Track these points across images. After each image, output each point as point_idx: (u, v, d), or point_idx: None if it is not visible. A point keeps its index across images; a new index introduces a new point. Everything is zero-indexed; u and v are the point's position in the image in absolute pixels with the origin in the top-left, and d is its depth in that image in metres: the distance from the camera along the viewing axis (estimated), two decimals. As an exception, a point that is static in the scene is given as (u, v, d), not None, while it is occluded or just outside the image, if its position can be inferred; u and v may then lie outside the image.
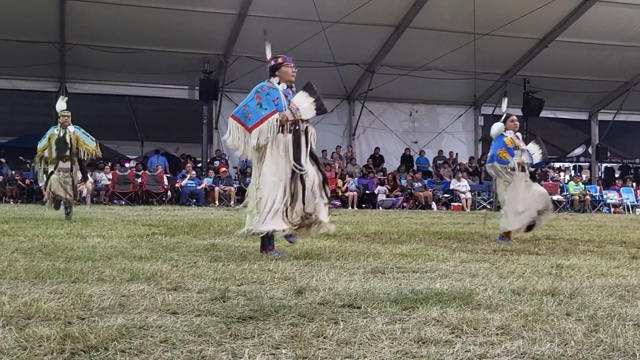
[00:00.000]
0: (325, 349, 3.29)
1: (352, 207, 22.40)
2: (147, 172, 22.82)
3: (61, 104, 12.53)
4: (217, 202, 21.74)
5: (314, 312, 4.11)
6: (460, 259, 7.07)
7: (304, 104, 7.10)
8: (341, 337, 3.49)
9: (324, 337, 3.48)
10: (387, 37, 24.30)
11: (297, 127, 6.99)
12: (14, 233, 8.94)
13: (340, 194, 23.37)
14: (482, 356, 3.25)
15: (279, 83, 7.17)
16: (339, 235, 9.89)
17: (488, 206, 24.37)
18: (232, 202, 21.84)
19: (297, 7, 21.79)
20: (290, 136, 6.95)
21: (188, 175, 22.46)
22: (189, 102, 27.36)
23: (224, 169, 23.36)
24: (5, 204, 20.99)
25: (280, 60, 7.28)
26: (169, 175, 23.40)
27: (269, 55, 7.40)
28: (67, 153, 12.36)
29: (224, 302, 4.36)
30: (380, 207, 22.80)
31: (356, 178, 24.51)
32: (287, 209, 6.82)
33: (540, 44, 25.49)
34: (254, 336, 3.49)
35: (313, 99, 7.17)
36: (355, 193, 23.17)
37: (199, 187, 22.22)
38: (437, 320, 3.93)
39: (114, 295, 4.50)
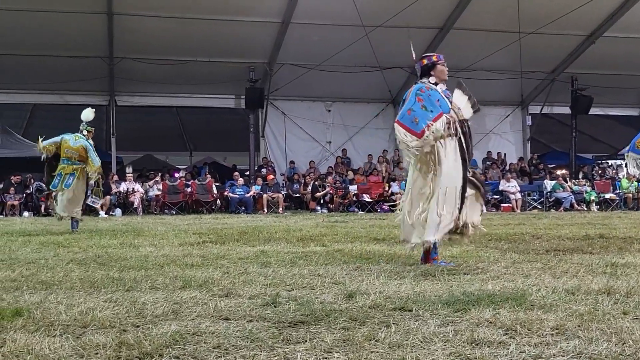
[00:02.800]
0: (377, 352, 3.29)
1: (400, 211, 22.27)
2: (196, 181, 23.06)
3: (87, 114, 12.41)
4: (265, 210, 21.84)
5: (365, 315, 4.11)
6: (511, 260, 6.99)
7: (462, 103, 6.73)
8: (393, 340, 3.48)
9: (376, 341, 3.47)
10: (431, 39, 24.16)
11: (464, 129, 6.59)
12: (68, 244, 9.11)
13: (387, 197, 23.28)
14: (537, 357, 3.21)
15: (435, 84, 6.78)
16: (388, 239, 9.86)
17: (539, 206, 24.06)
18: (280, 209, 21.93)
19: (340, 12, 21.81)
20: (455, 139, 6.54)
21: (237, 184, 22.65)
22: (236, 111, 27.58)
23: (271, 176, 23.47)
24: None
25: (434, 58, 6.89)
26: (218, 184, 23.60)
27: (414, 55, 7.01)
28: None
29: (275, 307, 4.38)
30: (428, 210, 22.64)
31: (403, 182, 24.37)
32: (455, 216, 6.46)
33: (587, 41, 25.08)
34: (306, 340, 3.50)
35: (467, 97, 6.79)
36: (403, 197, 23.04)
37: (247, 195, 22.36)
38: (490, 322, 3.89)
39: (167, 302, 4.56)
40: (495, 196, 24.19)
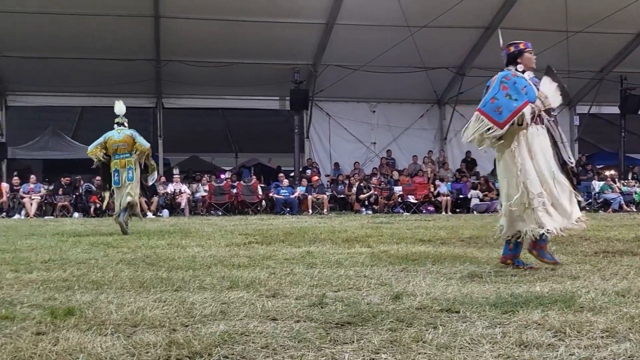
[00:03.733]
0: (425, 353, 3.29)
1: (446, 212, 22.16)
2: (242, 182, 23.22)
3: (121, 107, 12.43)
4: (310, 211, 21.89)
5: (412, 316, 4.11)
6: (559, 261, 6.90)
7: (550, 90, 6.47)
8: (441, 341, 3.48)
9: (423, 342, 3.47)
10: (476, 39, 24.00)
11: (550, 118, 6.45)
12: (118, 245, 9.25)
13: (432, 198, 23.17)
14: (587, 359, 3.18)
15: (523, 71, 6.53)
16: (434, 240, 9.82)
17: (587, 208, 23.69)
18: (325, 210, 21.96)
19: (385, 13, 21.76)
20: (541, 128, 6.37)
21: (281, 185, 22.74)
22: (280, 113, 27.69)
23: (316, 177, 23.52)
24: (109, 217, 21.71)
25: (522, 46, 6.63)
26: (263, 185, 23.74)
27: (502, 42, 6.85)
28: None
29: (322, 308, 4.40)
30: (474, 212, 22.46)
31: (449, 182, 24.24)
32: (556, 207, 6.26)
33: (636, 39, 24.65)
34: (353, 341, 3.51)
35: (556, 84, 6.51)
36: (448, 198, 22.92)
37: (292, 196, 22.44)
38: (539, 324, 3.86)
39: (215, 302, 4.61)
40: (542, 197, 23.85)
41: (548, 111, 6.45)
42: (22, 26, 21.47)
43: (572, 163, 6.50)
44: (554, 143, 6.41)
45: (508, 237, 6.49)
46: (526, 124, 6.22)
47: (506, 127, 6.18)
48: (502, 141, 6.31)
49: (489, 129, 6.25)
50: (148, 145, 12.21)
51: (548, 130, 6.41)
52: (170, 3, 21.59)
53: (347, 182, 23.92)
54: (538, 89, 6.44)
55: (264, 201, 23.07)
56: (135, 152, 11.99)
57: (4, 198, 21.39)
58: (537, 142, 6.33)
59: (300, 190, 22.73)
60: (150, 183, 12.95)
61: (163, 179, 23.17)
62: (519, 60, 6.59)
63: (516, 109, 6.19)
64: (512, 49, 6.65)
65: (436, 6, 20.86)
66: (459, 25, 22.85)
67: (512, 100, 6.24)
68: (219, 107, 28.61)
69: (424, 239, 10.05)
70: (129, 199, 11.75)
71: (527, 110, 6.21)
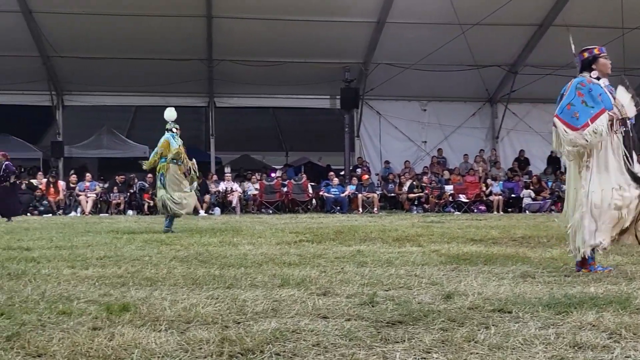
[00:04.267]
0: (477, 353, 3.27)
1: (498, 212, 21.91)
2: (292, 181, 23.31)
3: (170, 114, 12.61)
4: (360, 209, 21.87)
5: (464, 316, 4.09)
6: (615, 262, 6.79)
7: (626, 100, 6.29)
8: (493, 341, 3.45)
9: (475, 342, 3.45)
10: (529, 36, 23.67)
11: (626, 128, 6.25)
12: (171, 242, 9.38)
13: (484, 198, 22.94)
14: (643, 362, 3.12)
15: (597, 78, 6.35)
16: (485, 239, 9.74)
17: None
18: (375, 209, 21.91)
19: (436, 11, 21.63)
20: (616, 136, 6.17)
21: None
22: (331, 112, 27.70)
23: (366, 176, 23.47)
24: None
25: (596, 51, 6.44)
26: (313, 184, 23.79)
27: (573, 48, 6.75)
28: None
29: (372, 306, 4.41)
30: (526, 211, 22.17)
31: (501, 182, 23.96)
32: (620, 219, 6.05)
33: (697, 34, 24.01)
34: (404, 340, 3.51)
35: (630, 95, 6.35)
36: (500, 197, 22.65)
37: (342, 195, 22.44)
38: (593, 325, 3.81)
39: (266, 300, 4.65)
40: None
41: (624, 120, 6.24)
42: (79, 27, 21.91)
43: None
44: (627, 153, 6.19)
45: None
46: (605, 132, 6.03)
47: (586, 131, 5.98)
48: (585, 149, 6.08)
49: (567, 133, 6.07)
50: (175, 146, 12.24)
51: (632, 139, 6.23)
52: (223, 3, 21.81)
53: (397, 180, 23.83)
54: (614, 97, 6.28)
55: (314, 200, 23.12)
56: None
57: (61, 196, 21.84)
58: (611, 152, 6.14)
59: (350, 189, 22.72)
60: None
61: (215, 177, 23.39)
62: (593, 66, 6.39)
63: (594, 115, 6.03)
64: (586, 54, 6.47)
65: (488, 3, 20.61)
66: (512, 23, 22.55)
67: (589, 107, 6.08)
68: (270, 106, 28.80)
69: (475, 238, 9.98)
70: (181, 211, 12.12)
71: (604, 118, 6.04)
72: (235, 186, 22.57)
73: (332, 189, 22.61)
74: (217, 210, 21.59)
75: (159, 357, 3.26)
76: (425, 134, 26.59)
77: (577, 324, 3.86)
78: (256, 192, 22.68)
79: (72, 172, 23.89)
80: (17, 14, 21.37)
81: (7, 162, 17.03)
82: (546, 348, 3.35)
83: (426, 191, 22.71)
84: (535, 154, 26.80)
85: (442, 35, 21.65)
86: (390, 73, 23.57)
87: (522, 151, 26.31)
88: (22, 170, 25.22)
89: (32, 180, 22.37)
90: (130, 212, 21.39)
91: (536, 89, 24.35)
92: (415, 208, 22.32)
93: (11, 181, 17.01)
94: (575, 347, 3.35)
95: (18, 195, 18.64)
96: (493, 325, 3.83)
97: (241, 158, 31.12)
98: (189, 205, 12.33)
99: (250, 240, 9.79)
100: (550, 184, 23.69)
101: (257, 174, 24.46)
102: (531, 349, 3.33)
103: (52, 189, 21.80)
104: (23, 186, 21.73)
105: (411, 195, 22.57)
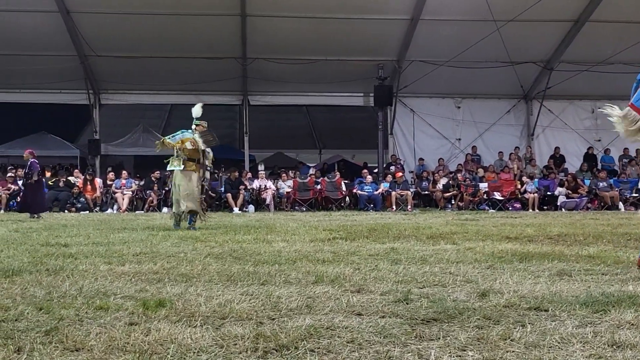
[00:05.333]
0: (513, 351, 3.24)
1: (533, 209, 21.71)
2: (326, 178, 23.32)
3: (197, 111, 12.48)
4: (394, 207, 21.81)
5: (499, 314, 4.06)
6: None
7: None
8: (529, 340, 3.42)
9: (511, 340, 3.43)
10: (565, 32, 23.39)
11: None
12: (205, 239, 9.44)
13: (519, 195, 22.73)
14: (683, 362, 3.07)
15: None
16: (521, 237, 9.65)
17: None
18: (409, 207, 21.83)
19: (470, 8, 21.49)
20: None
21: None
22: (364, 109, 27.71)
23: (400, 173, 23.40)
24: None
25: None
26: (346, 182, 23.77)
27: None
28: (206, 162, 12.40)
29: (407, 304, 4.40)
30: (562, 209, 21.92)
31: (536, 179, 23.72)
32: None
33: None
34: (439, 338, 3.50)
35: None
36: (535, 195, 22.43)
37: (376, 192, 22.40)
38: (632, 324, 3.76)
39: (300, 296, 4.66)
40: (634, 195, 23.11)
41: None
42: (115, 27, 22.16)
43: None
44: None
45: None
46: None
47: None
48: None
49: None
50: (173, 141, 12.22)
51: None
52: (257, 2, 21.89)
53: (431, 178, 23.72)
54: None
55: (347, 197, 23.11)
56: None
57: (98, 193, 22.11)
58: None
59: (384, 187, 22.66)
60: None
61: (249, 174, 23.50)
62: None
63: None
64: None
65: (523, 0, 20.45)
66: (547, 19, 22.33)
67: None
68: (304, 104, 28.88)
69: (510, 236, 9.89)
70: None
71: None
72: (269, 184, 22.64)
73: (365, 187, 22.57)
74: (251, 207, 21.67)
75: (194, 352, 3.28)
76: (459, 131, 26.44)
77: (615, 322, 3.81)
78: (290, 189, 22.73)
79: (109, 169, 24.16)
80: (55, 14, 21.68)
81: (32, 160, 17.27)
82: (584, 347, 3.31)
83: (461, 189, 22.57)
84: (571, 151, 26.53)
85: (476, 31, 21.51)
86: (424, 70, 23.48)
87: (557, 148, 26.03)
88: (60, 167, 25.61)
89: (69, 178, 22.66)
90: (165, 209, 21.54)
91: (572, 86, 24.12)
92: (449, 206, 22.21)
93: (35, 178, 17.24)
94: (614, 346, 3.31)
95: (43, 192, 18.89)
96: (529, 323, 3.80)
97: (275, 156, 31.26)
98: (188, 204, 12.15)
99: (284, 237, 9.81)
100: (587, 182, 23.40)
101: (290, 171, 24.53)
102: (568, 348, 3.30)
103: (89, 187, 22.06)
104: (61, 183, 22.04)
105: (446, 194, 22.45)
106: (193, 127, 12.37)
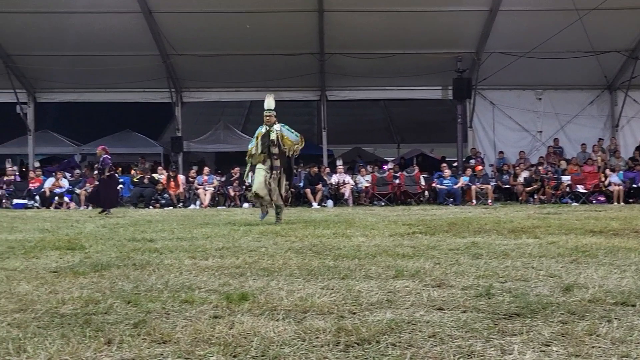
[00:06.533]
0: (598, 347, 3.18)
1: (618, 202, 21.11)
2: (404, 173, 23.23)
3: (269, 102, 12.43)
4: (474, 201, 21.57)
5: (584, 309, 3.99)
6: None
7: None
8: (615, 335, 3.35)
9: (596, 335, 3.37)
10: (651, 19, 22.67)
11: None
12: (285, 234, 9.53)
13: (603, 188, 22.14)
14: None
15: None
16: (605, 231, 9.41)
17: None
18: (490, 201, 21.54)
19: (551, -3, 21.07)
20: None
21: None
22: (443, 102, 27.47)
23: (480, 167, 23.12)
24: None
25: None
26: (425, 176, 23.63)
27: None
28: (275, 151, 12.14)
29: (489, 298, 4.36)
30: (649, 202, 21.28)
31: (621, 171, 23.05)
32: None
33: None
34: (522, 333, 3.46)
35: None
36: (620, 187, 21.81)
37: (455, 187, 22.19)
38: None
39: (381, 291, 4.67)
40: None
41: None
42: (196, 26, 22.59)
43: None
44: None
45: None
46: None
47: None
48: None
49: None
50: (297, 139, 12.28)
51: None
52: (334, -3, 21.96)
53: (512, 171, 23.34)
54: None
55: (426, 191, 22.97)
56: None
57: (181, 189, 22.59)
58: None
59: (463, 181, 22.44)
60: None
61: (327, 169, 23.62)
62: None
63: None
64: None
65: (608, -13, 19.89)
66: (632, 6, 21.64)
67: None
68: (381, 98, 28.81)
69: (594, 230, 9.66)
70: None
71: None
72: (348, 178, 22.70)
73: (444, 181, 22.39)
74: (330, 202, 21.78)
75: (277, 345, 3.33)
76: (540, 123, 25.92)
77: None
78: (368, 184, 22.74)
79: (193, 166, 24.67)
80: (137, 14, 22.23)
81: (105, 156, 17.75)
82: (673, 343, 3.23)
83: (542, 182, 22.12)
84: (658, 142, 25.67)
85: (557, 21, 21.04)
86: (504, 62, 23.10)
87: (643, 139, 25.25)
88: (145, 164, 26.24)
89: (153, 175, 23.23)
90: (246, 204, 21.86)
91: None
92: (531, 200, 21.81)
93: (107, 174, 17.70)
94: None
95: (116, 188, 19.38)
96: (615, 318, 3.72)
97: (353, 150, 31.30)
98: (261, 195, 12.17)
99: (363, 232, 9.82)
100: None
101: (368, 166, 24.54)
102: (657, 344, 3.22)
103: (172, 183, 22.57)
104: (146, 180, 22.61)
105: (528, 188, 22.03)
106: (265, 121, 12.34)
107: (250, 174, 12.88)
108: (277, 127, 12.23)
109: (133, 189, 22.76)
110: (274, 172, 12.11)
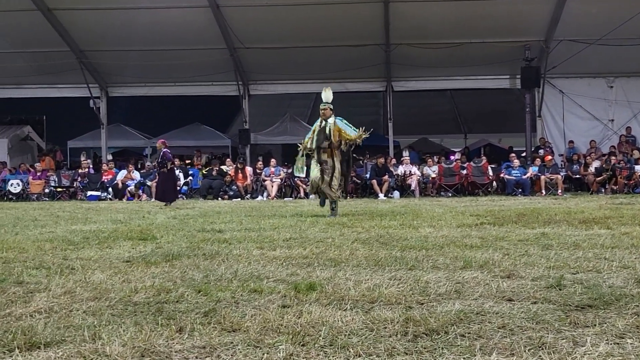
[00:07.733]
0: (674, 339, 3.11)
1: None
2: (472, 163, 22.97)
3: (326, 95, 12.17)
4: (543, 191, 21.18)
5: (660, 301, 3.89)
6: None
7: None
8: (692, 328, 3.27)
9: (672, 328, 3.29)
10: None
11: None
12: (352, 225, 9.56)
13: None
14: None
15: None
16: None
17: None
18: (560, 191, 21.12)
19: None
20: None
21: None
22: (510, 92, 27.06)
23: (549, 157, 22.68)
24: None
25: None
26: (493, 166, 23.31)
27: None
28: (327, 145, 11.96)
29: (559, 290, 4.30)
30: None
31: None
32: None
33: None
34: (595, 325, 3.41)
35: None
36: (698, 177, 21.11)
37: (524, 177, 21.83)
38: None
39: (449, 282, 4.65)
40: None
41: None
42: (262, 19, 22.75)
43: None
44: None
45: None
46: None
47: None
48: None
49: None
50: (355, 134, 12.00)
51: None
52: (400, -13, 21.81)
53: (582, 161, 22.83)
54: None
55: (494, 182, 22.66)
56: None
57: (248, 181, 22.82)
58: None
59: (532, 171, 22.04)
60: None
61: (394, 161, 23.53)
62: None
63: None
64: None
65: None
66: None
67: None
68: (448, 88, 28.53)
69: (671, 221, 9.39)
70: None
71: None
72: (414, 169, 22.57)
73: (513, 171, 22.05)
74: (397, 193, 21.69)
75: (345, 334, 3.35)
76: (612, 112, 25.25)
77: None
78: (435, 175, 22.57)
79: (259, 158, 24.89)
80: (206, 9, 22.51)
81: (165, 150, 18.05)
82: None
83: (615, 172, 21.57)
84: None
85: (629, 6, 20.48)
86: (574, 50, 22.58)
87: None
88: (213, 156, 26.60)
89: (222, 167, 23.53)
90: (312, 196, 21.90)
91: None
92: (603, 190, 21.30)
93: (168, 168, 17.97)
94: None
95: (175, 182, 19.70)
96: (695, 311, 3.63)
97: (419, 141, 31.12)
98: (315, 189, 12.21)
99: (430, 222, 9.77)
100: None
101: (435, 156, 24.35)
102: None
103: (240, 175, 22.81)
104: (214, 172, 22.93)
105: (598, 179, 21.51)
106: (320, 113, 12.20)
107: (303, 167, 12.93)
108: (331, 120, 11.99)
109: (202, 181, 23.09)
110: (324, 165, 12.05)
